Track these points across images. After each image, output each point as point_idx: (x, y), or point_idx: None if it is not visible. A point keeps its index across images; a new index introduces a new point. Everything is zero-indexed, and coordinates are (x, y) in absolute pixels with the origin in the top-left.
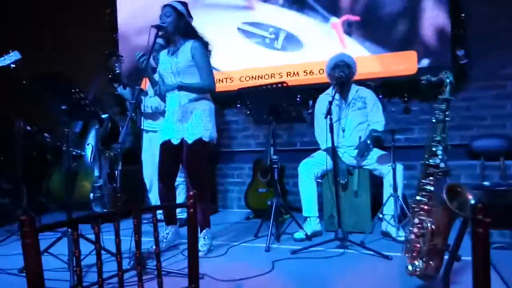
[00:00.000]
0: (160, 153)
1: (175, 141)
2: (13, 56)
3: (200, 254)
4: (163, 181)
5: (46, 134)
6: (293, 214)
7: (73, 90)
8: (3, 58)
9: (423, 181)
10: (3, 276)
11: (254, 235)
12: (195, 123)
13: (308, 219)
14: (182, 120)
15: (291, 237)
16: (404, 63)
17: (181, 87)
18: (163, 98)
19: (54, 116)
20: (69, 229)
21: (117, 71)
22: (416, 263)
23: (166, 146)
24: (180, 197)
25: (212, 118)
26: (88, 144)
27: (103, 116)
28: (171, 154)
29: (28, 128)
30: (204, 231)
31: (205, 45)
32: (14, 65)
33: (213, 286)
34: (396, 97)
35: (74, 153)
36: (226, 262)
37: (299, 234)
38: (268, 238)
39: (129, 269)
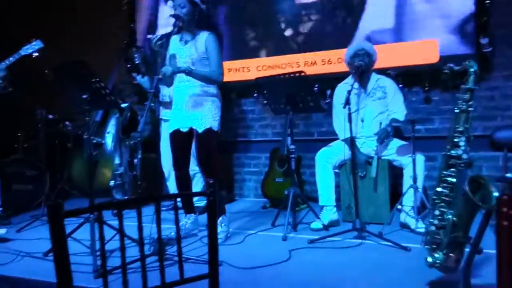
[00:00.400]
0: (171, 142)
1: (184, 129)
2: (35, 45)
3: (218, 241)
4: (179, 170)
5: (67, 123)
6: (310, 204)
7: (93, 80)
8: (26, 47)
9: (445, 172)
10: (28, 260)
11: (271, 224)
12: (205, 113)
13: (324, 208)
14: (192, 110)
15: (308, 227)
16: (425, 52)
17: (189, 72)
18: (168, 83)
19: (75, 105)
20: (91, 215)
21: (136, 61)
22: (436, 255)
23: (176, 135)
24: (198, 186)
25: (220, 109)
26: (108, 133)
27: (123, 105)
28: (182, 142)
29: (50, 116)
30: (220, 218)
31: (218, 37)
32: (37, 54)
33: (230, 273)
34: (417, 86)
35: (94, 141)
36: (243, 250)
37: (316, 224)
38: (285, 227)
39: (150, 255)
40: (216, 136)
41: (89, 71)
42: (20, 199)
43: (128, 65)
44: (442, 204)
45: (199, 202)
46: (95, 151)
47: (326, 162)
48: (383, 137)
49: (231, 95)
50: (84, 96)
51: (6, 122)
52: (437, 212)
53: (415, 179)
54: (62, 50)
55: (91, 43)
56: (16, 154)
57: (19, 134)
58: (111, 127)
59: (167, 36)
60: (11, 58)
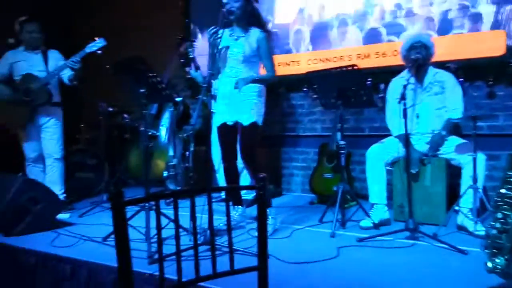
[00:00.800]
0: (218, 135)
1: (230, 123)
2: (99, 43)
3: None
4: (227, 162)
5: (125, 115)
6: (359, 201)
7: (150, 75)
8: (90, 45)
9: (509, 173)
10: (89, 243)
11: (319, 220)
12: (251, 107)
13: (375, 206)
14: (238, 103)
15: (357, 225)
16: (490, 43)
17: (254, 81)
18: (215, 76)
19: (134, 99)
20: (147, 204)
21: (191, 56)
22: (497, 260)
23: (223, 128)
24: (246, 179)
25: (264, 104)
26: (162, 125)
27: (177, 99)
28: (229, 135)
29: (110, 109)
30: (267, 210)
31: (269, 35)
32: (100, 51)
33: (278, 267)
34: (480, 80)
35: (150, 133)
36: (291, 244)
37: (366, 222)
38: (334, 224)
39: (201, 244)
40: (260, 131)
41: (146, 66)
42: (82, 186)
43: (182, 60)
44: (506, 206)
45: (247, 195)
46: (150, 143)
47: (378, 158)
48: (436, 146)
49: (280, 89)
50: (142, 90)
51: (70, 115)
52: (499, 215)
53: (475, 179)
54: (121, 45)
55: (148, 38)
56: (79, 144)
57: (81, 126)
58: (165, 120)
59: (219, 28)
60: (77, 56)
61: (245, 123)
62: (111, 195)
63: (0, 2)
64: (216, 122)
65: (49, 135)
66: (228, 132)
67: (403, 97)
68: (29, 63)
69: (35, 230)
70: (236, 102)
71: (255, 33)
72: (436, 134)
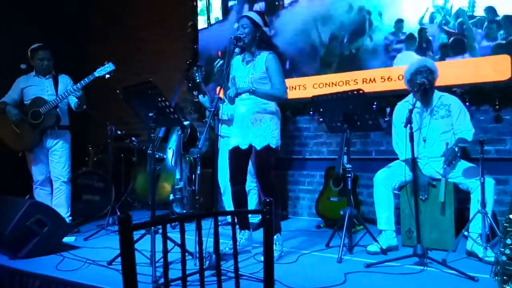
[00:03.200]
0: (229, 158)
1: (243, 146)
2: (108, 68)
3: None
4: (235, 185)
5: (133, 138)
6: (366, 225)
7: (159, 99)
8: (99, 69)
9: None
10: (93, 267)
11: (326, 245)
12: (264, 130)
13: (383, 232)
14: (251, 126)
15: (364, 250)
16: (495, 68)
17: (253, 91)
18: (232, 101)
19: (143, 122)
20: (153, 228)
21: (198, 80)
22: (508, 287)
23: (235, 152)
24: (252, 202)
25: (279, 126)
26: (169, 148)
27: (185, 123)
28: (240, 159)
29: (118, 132)
30: (275, 236)
31: (278, 56)
32: (108, 75)
33: None
34: (486, 104)
35: (157, 156)
36: (297, 269)
37: (373, 247)
38: (340, 249)
39: (206, 269)
40: (274, 153)
41: (156, 91)
42: (89, 209)
43: (190, 84)
44: None
45: (253, 218)
46: (158, 165)
47: (386, 183)
48: (451, 159)
49: (286, 112)
50: (151, 114)
51: (79, 137)
52: (509, 241)
53: (483, 204)
54: (130, 70)
55: (157, 63)
56: (87, 166)
57: (90, 148)
58: (172, 143)
59: (228, 57)
60: (86, 79)
61: (258, 146)
62: (119, 219)
63: (14, 28)
64: (229, 145)
65: (57, 158)
66: (240, 156)
67: (409, 121)
68: (40, 87)
69: (40, 253)
70: (248, 125)
71: (263, 55)
72: (449, 149)
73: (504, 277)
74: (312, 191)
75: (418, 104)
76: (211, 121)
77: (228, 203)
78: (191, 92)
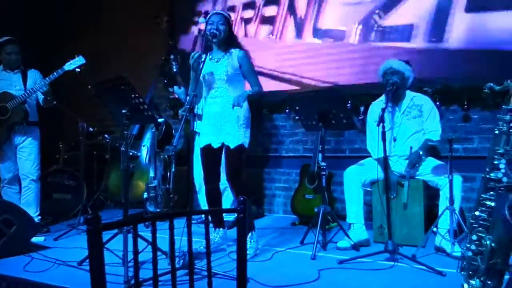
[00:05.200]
0: (202, 157)
1: (216, 145)
2: (78, 61)
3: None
4: (209, 183)
5: (106, 135)
6: (340, 222)
7: (133, 95)
8: (69, 62)
9: (483, 195)
10: (63, 268)
11: (300, 242)
12: (237, 129)
13: (352, 225)
14: (225, 125)
15: (336, 247)
16: None
17: (250, 96)
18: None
19: (115, 119)
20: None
21: (174, 70)
22: (473, 282)
23: (207, 150)
24: (227, 200)
25: (250, 125)
26: (143, 146)
27: (159, 120)
28: (213, 157)
29: (90, 129)
30: (249, 234)
31: (249, 54)
32: (79, 69)
33: None
34: (455, 104)
35: (130, 153)
36: (272, 267)
37: (343, 243)
38: (314, 246)
39: (179, 268)
40: (245, 152)
41: (129, 87)
42: (59, 208)
43: (165, 80)
44: (480, 228)
45: (228, 216)
46: (131, 163)
47: (355, 179)
48: (414, 162)
49: (263, 110)
50: (124, 111)
51: (49, 134)
52: (474, 237)
53: (451, 200)
54: (105, 66)
55: (132, 58)
56: (57, 164)
57: (60, 146)
58: (147, 141)
59: (205, 54)
60: (55, 73)
61: (232, 145)
62: (87, 219)
63: None
64: (200, 143)
65: (25, 155)
66: (212, 154)
67: (381, 120)
68: (8, 82)
69: (8, 254)
70: (221, 124)
71: (235, 52)
72: (414, 153)
73: (470, 272)
74: (288, 188)
75: (390, 103)
76: (187, 117)
77: (203, 201)
78: (166, 88)
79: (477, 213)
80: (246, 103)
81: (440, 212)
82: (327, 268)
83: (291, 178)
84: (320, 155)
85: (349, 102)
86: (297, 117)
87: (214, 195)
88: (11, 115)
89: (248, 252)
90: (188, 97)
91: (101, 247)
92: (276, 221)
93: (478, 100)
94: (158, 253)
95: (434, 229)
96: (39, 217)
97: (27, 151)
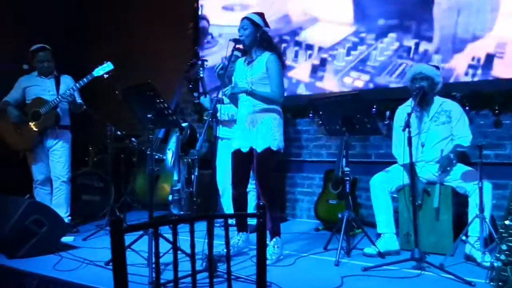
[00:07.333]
0: (232, 161)
1: (244, 149)
2: (106, 67)
3: (269, 262)
4: (236, 188)
5: (133, 139)
6: (365, 229)
7: (158, 100)
8: (98, 69)
9: None
10: (91, 267)
11: (324, 248)
12: (264, 132)
13: (382, 235)
14: (251, 128)
15: (362, 253)
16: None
17: (250, 92)
18: (233, 101)
19: (141, 123)
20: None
21: (201, 75)
22: None
23: (237, 154)
24: (251, 203)
25: (281, 128)
26: (169, 149)
27: (183, 124)
28: (242, 161)
29: (118, 133)
30: (274, 239)
31: (280, 57)
32: (107, 75)
33: None
34: (486, 109)
35: (156, 157)
36: (294, 272)
37: (370, 249)
38: (338, 252)
39: (201, 271)
40: (275, 155)
41: (155, 92)
42: (88, 209)
43: (190, 85)
44: (510, 238)
45: (252, 220)
46: (157, 166)
47: (382, 187)
48: (445, 165)
49: (286, 114)
50: (149, 115)
51: (79, 137)
52: (504, 247)
53: (481, 208)
54: (132, 71)
55: (158, 64)
56: (87, 167)
57: (90, 149)
58: (172, 144)
59: (227, 65)
60: (84, 79)
61: (259, 149)
62: (111, 221)
63: (16, 28)
64: (232, 147)
65: (57, 158)
66: (241, 158)
67: (407, 125)
68: (42, 87)
69: (38, 253)
70: (249, 127)
71: (264, 55)
72: (444, 156)
73: (499, 283)
74: (311, 193)
75: (417, 108)
76: (210, 122)
77: (226, 205)
78: (191, 93)
79: (507, 222)
80: (278, 107)
81: (469, 220)
82: (350, 275)
83: (314, 183)
84: (344, 160)
85: (374, 107)
86: (320, 122)
87: (240, 200)
88: (43, 120)
89: (272, 257)
90: (212, 103)
91: (123, 248)
92: (299, 226)
93: (510, 104)
94: (182, 255)
95: (464, 238)
96: (69, 217)
97: (58, 153)
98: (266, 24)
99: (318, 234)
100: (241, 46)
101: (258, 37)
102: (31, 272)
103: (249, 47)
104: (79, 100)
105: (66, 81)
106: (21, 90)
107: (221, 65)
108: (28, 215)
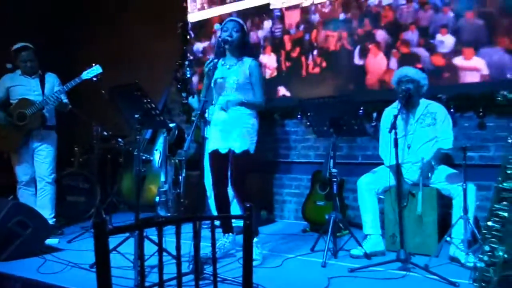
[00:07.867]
0: (210, 162)
1: (223, 150)
2: (95, 70)
3: (258, 263)
4: (218, 188)
5: (120, 139)
6: (352, 230)
7: (145, 101)
8: (86, 72)
9: (496, 205)
10: (75, 270)
11: (311, 249)
12: (244, 135)
13: (368, 236)
14: (232, 131)
15: (349, 254)
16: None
17: (243, 103)
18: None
19: (128, 123)
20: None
21: (188, 76)
22: None
23: (215, 155)
24: (237, 206)
25: (256, 131)
26: (156, 150)
27: (171, 125)
28: (220, 162)
29: (105, 133)
30: (256, 239)
31: (260, 64)
32: (95, 79)
33: None
34: (470, 111)
35: (143, 158)
36: (281, 274)
37: (357, 251)
38: (325, 253)
39: (188, 273)
40: (251, 158)
41: (142, 92)
42: (73, 210)
43: (179, 85)
44: (493, 239)
45: (238, 222)
46: (144, 167)
47: (369, 188)
48: (426, 173)
49: (274, 115)
50: (136, 116)
51: (65, 137)
52: (487, 248)
53: (465, 209)
54: (119, 71)
55: (146, 64)
56: (72, 167)
57: (76, 149)
58: (159, 145)
59: (217, 59)
60: (72, 82)
61: (237, 150)
62: (94, 223)
63: (1, 26)
64: (208, 148)
65: (42, 158)
66: (219, 159)
67: (393, 127)
68: (27, 87)
69: (22, 256)
70: (229, 129)
71: (247, 61)
72: (425, 163)
73: (482, 283)
74: (299, 194)
75: (404, 110)
76: (198, 122)
77: (214, 206)
78: (179, 94)
79: (489, 223)
80: (254, 110)
81: (453, 221)
82: (337, 276)
83: (302, 184)
84: (331, 161)
85: (361, 108)
86: (308, 123)
87: (222, 200)
88: (29, 122)
89: (258, 257)
90: (199, 103)
91: (107, 251)
92: (287, 227)
93: (493, 106)
94: (169, 257)
95: (448, 239)
96: (54, 219)
97: (43, 154)
98: (248, 34)
99: (305, 235)
100: (226, 47)
101: (244, 42)
102: (14, 275)
103: (234, 50)
104: (65, 100)
105: (51, 80)
106: (5, 89)
107: (212, 64)
108: (11, 217)
